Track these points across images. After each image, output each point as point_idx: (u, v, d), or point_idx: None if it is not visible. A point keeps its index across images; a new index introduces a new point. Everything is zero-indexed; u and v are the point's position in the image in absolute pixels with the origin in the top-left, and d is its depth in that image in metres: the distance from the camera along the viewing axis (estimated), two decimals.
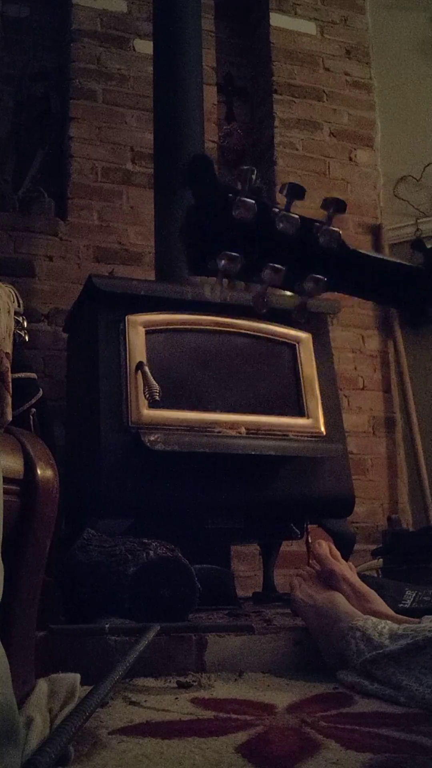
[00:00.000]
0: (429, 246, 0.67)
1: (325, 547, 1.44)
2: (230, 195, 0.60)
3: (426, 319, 0.67)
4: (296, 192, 0.62)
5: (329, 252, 0.63)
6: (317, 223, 0.63)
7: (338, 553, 1.45)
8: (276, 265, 0.61)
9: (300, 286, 0.63)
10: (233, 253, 0.60)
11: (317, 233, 0.63)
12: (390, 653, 1.10)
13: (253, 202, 0.60)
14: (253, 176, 0.61)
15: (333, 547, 1.46)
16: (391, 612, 1.32)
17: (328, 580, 1.38)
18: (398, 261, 0.68)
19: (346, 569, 1.40)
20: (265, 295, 0.63)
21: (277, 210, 0.62)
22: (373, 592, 1.36)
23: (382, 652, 1.12)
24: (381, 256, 0.67)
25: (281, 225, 0.61)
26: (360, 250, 0.65)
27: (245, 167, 0.61)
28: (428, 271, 0.66)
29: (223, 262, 0.60)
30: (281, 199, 0.64)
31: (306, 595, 1.37)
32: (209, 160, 0.61)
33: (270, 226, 0.61)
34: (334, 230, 0.63)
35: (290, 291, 0.64)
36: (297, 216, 0.62)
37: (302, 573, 1.43)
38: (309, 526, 2.13)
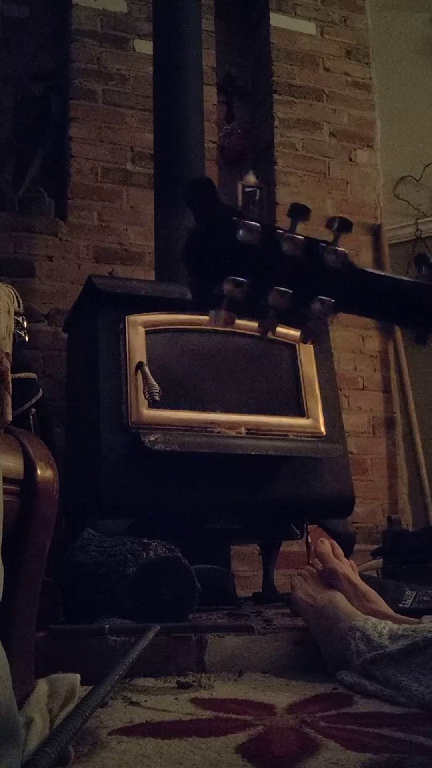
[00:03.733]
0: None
1: (328, 545, 1.44)
2: (234, 218, 0.59)
3: None
4: (300, 212, 0.60)
5: (336, 273, 0.61)
6: (322, 244, 0.61)
7: (341, 552, 1.44)
8: (282, 289, 0.60)
9: (308, 309, 0.62)
10: (239, 278, 0.58)
11: (323, 254, 0.61)
12: (390, 654, 1.10)
13: (258, 224, 0.59)
14: (257, 197, 0.59)
15: (336, 545, 1.45)
16: (391, 612, 1.32)
17: (329, 579, 1.38)
18: (406, 278, 0.66)
19: (348, 568, 1.40)
20: (271, 320, 0.62)
21: (282, 231, 0.60)
22: (374, 592, 1.36)
23: (382, 653, 1.12)
24: (388, 275, 0.66)
25: (286, 247, 0.60)
26: (368, 270, 0.64)
27: (249, 189, 0.60)
28: None
29: (228, 287, 0.59)
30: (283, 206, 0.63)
31: (307, 594, 1.37)
32: (210, 183, 0.60)
33: (275, 248, 0.60)
34: (340, 250, 0.61)
35: (298, 314, 0.62)
36: (302, 237, 0.60)
37: (303, 572, 1.43)
38: (309, 526, 2.13)
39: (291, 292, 0.60)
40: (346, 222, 0.61)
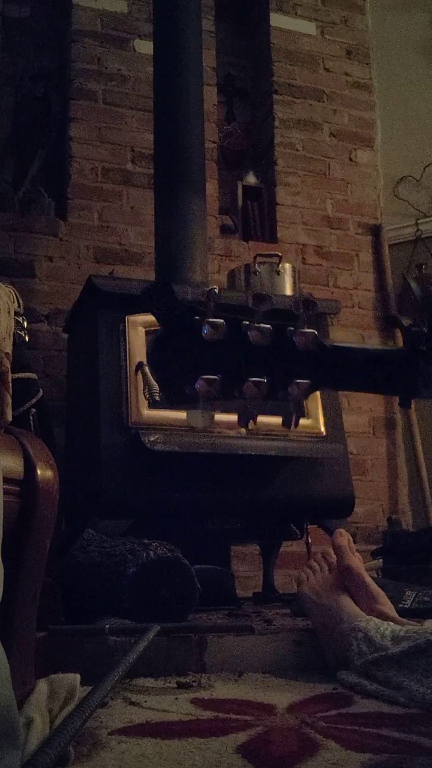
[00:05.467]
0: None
1: (347, 538, 1.38)
2: (197, 317, 0.59)
3: (420, 396, 0.66)
4: (263, 300, 0.61)
5: (308, 354, 0.62)
6: (290, 327, 0.62)
7: (353, 547, 1.40)
8: (256, 379, 0.60)
9: (284, 393, 0.62)
10: (211, 377, 0.59)
11: (292, 337, 0.62)
12: (392, 655, 1.10)
13: (222, 321, 0.59)
14: (218, 292, 0.60)
15: (350, 539, 1.40)
16: (396, 615, 1.31)
17: (342, 574, 1.34)
18: (379, 347, 0.66)
19: (363, 567, 1.37)
20: (249, 410, 0.62)
21: (247, 323, 0.61)
22: (384, 594, 1.33)
23: (384, 654, 1.11)
24: (360, 346, 0.66)
25: (254, 337, 0.60)
26: (338, 344, 0.64)
27: (209, 288, 0.60)
28: (409, 349, 0.65)
29: (202, 386, 0.59)
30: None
31: (313, 591, 1.34)
32: (167, 285, 0.61)
33: (243, 340, 0.60)
34: (308, 332, 0.61)
35: (275, 400, 0.62)
36: (268, 325, 0.61)
37: (313, 565, 1.39)
38: (309, 526, 2.13)
39: (265, 380, 0.60)
40: (309, 301, 0.62)
